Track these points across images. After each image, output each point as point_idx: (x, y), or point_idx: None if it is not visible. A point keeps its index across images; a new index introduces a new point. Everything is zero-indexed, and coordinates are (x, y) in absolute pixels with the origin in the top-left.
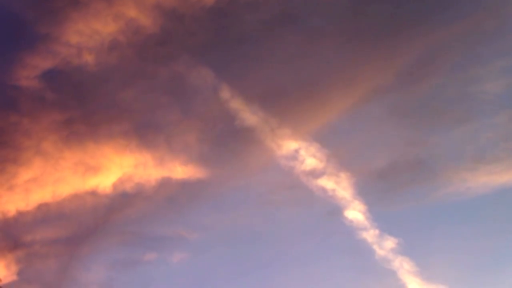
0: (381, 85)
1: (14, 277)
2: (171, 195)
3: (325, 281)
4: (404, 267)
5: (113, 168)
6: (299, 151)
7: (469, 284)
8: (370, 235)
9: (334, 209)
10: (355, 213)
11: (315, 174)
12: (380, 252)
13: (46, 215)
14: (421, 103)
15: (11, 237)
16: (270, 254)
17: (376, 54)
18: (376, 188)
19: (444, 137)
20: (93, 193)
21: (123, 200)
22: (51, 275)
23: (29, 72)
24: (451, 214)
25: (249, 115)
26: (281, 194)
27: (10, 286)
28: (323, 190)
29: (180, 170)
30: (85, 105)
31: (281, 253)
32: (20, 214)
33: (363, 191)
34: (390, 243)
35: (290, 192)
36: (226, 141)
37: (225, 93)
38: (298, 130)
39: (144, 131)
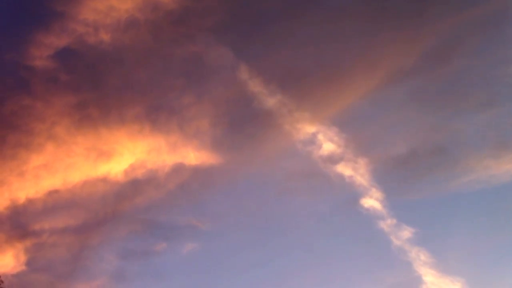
0: (403, 68)
1: (23, 267)
2: (184, 182)
3: (339, 272)
4: (420, 258)
5: (126, 153)
6: (317, 136)
7: (487, 277)
8: (386, 224)
9: (351, 197)
10: (372, 201)
11: (332, 159)
12: (396, 242)
13: (56, 202)
14: (443, 87)
15: (21, 226)
16: (284, 244)
17: (399, 36)
18: (394, 175)
19: (467, 122)
20: (105, 180)
21: (135, 188)
22: (61, 264)
23: (43, 51)
24: (472, 203)
25: (267, 98)
26: (298, 181)
27: (19, 276)
28: (340, 176)
29: (193, 156)
30: (98, 87)
31: (296, 243)
32: (30, 201)
33: (381, 179)
34: (406, 233)
35: (307, 179)
36: (242, 125)
37: (243, 74)
38: (317, 113)
39: (158, 115)
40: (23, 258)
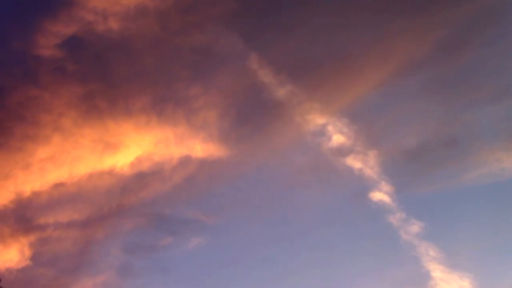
0: (416, 58)
1: (28, 262)
2: (190, 175)
3: (347, 266)
4: (429, 254)
5: (132, 146)
6: (326, 127)
7: (496, 273)
8: (396, 218)
9: (360, 191)
10: (382, 195)
11: (342, 152)
12: (405, 237)
13: (62, 196)
14: (457, 78)
15: (25, 220)
16: (292, 238)
17: (411, 26)
18: (404, 168)
19: (480, 114)
20: (111, 173)
21: (141, 181)
22: (66, 259)
23: (50, 40)
24: (483, 197)
25: (276, 88)
26: (306, 174)
27: (23, 271)
28: (350, 169)
29: (200, 148)
30: (105, 77)
31: (303, 237)
32: (35, 194)
33: (391, 172)
34: (416, 227)
35: (316, 172)
36: (250, 117)
37: (253, 63)
38: (327, 104)
39: (165, 106)
40: (28, 252)
